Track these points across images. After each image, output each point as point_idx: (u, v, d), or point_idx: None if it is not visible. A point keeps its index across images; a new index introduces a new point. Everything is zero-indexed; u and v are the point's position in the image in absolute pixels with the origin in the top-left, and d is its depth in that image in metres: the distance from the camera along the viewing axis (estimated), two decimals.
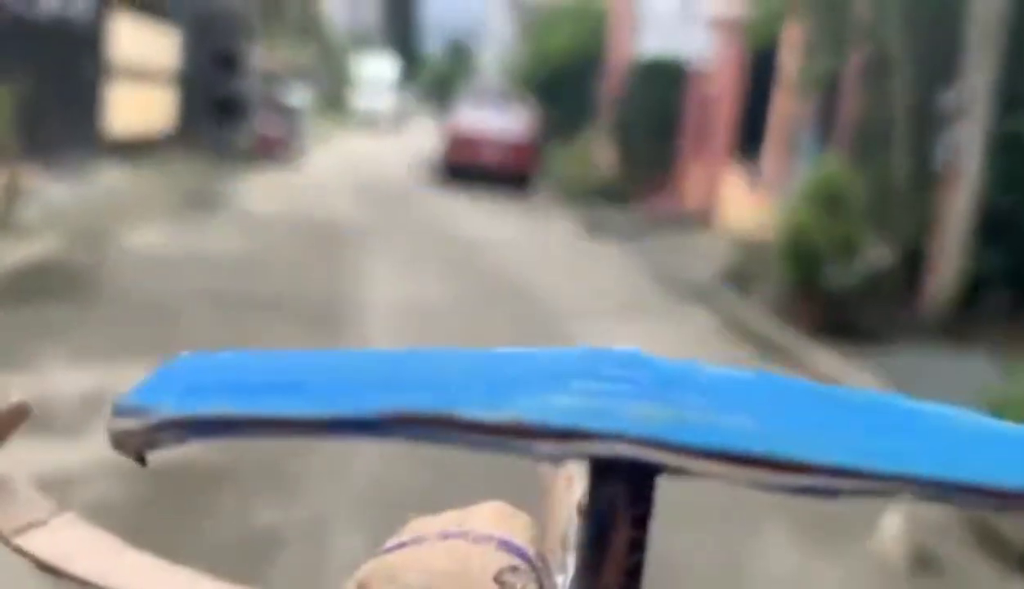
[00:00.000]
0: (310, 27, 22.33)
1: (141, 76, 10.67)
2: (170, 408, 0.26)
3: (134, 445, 0.25)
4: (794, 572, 2.88)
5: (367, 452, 3.08)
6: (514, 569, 0.30)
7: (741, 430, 0.22)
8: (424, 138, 20.68)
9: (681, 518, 2.50)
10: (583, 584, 0.24)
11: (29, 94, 7.31)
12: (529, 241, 9.00)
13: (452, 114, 14.43)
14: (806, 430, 0.22)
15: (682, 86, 11.55)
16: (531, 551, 0.32)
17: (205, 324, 4.52)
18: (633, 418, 0.22)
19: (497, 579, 0.27)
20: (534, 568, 0.31)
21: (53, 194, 7.19)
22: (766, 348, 5.43)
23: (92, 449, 2.94)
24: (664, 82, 11.47)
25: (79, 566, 0.33)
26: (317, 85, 22.30)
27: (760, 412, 0.23)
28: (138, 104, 10.59)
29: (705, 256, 7.87)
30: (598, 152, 13.11)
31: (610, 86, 13.76)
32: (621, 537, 0.24)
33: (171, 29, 11.76)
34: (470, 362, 0.26)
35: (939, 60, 6.01)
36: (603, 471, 0.24)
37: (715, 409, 0.23)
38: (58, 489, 2.41)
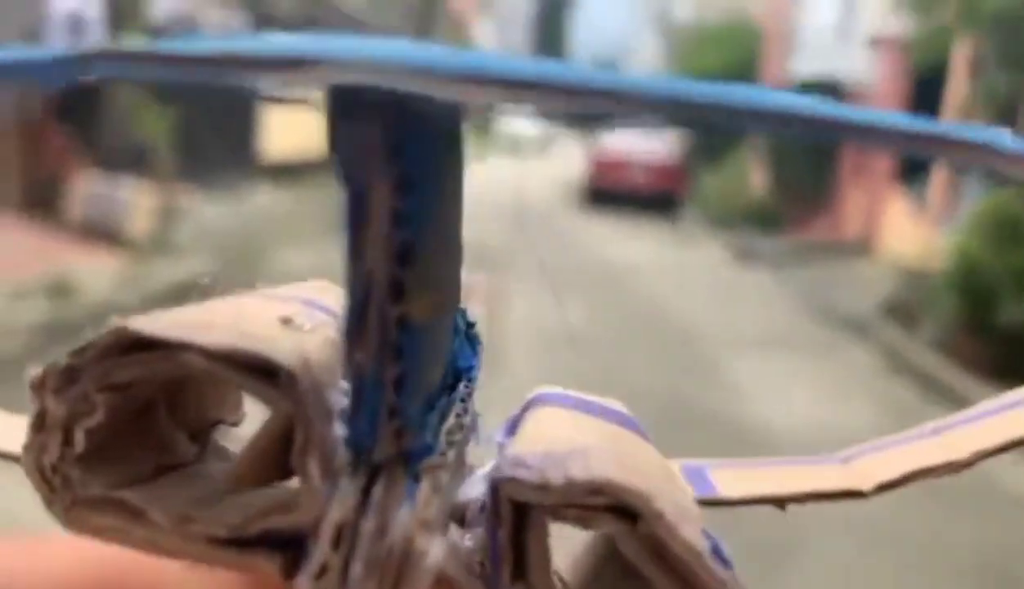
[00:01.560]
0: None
1: (294, 100, 10.97)
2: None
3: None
4: None
5: None
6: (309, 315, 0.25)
7: (495, 56, 0.15)
8: (569, 162, 20.65)
9: None
10: (348, 274, 0.19)
11: (187, 116, 7.58)
12: (675, 267, 8.74)
13: (597, 137, 14.29)
14: (565, 67, 0.14)
15: None
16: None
17: None
18: (374, 47, 0.16)
19: (282, 318, 0.21)
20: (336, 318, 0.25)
21: (207, 215, 7.41)
22: (930, 388, 5.03)
23: None
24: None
25: None
26: None
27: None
28: (294, 127, 10.90)
29: (864, 287, 7.43)
30: (749, 176, 12.70)
31: None
32: (379, 207, 0.18)
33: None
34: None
35: None
36: (345, 115, 0.18)
37: (464, 48, 0.16)
38: None
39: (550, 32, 47.85)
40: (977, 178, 7.32)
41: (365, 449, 0.19)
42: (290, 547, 0.19)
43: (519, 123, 29.79)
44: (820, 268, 8.57)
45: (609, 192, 13.13)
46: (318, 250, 7.63)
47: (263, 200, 9.09)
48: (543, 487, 0.18)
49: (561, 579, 0.21)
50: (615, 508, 0.18)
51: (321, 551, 0.18)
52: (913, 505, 3.31)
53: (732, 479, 0.25)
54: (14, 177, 6.15)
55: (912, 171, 8.89)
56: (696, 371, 5.00)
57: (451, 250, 0.21)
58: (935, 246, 6.55)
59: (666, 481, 0.20)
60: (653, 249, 9.76)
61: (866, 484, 0.23)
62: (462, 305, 0.25)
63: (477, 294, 0.29)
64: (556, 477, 0.18)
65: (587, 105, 0.15)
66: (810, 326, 6.71)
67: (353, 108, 0.19)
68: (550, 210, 12.79)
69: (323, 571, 0.18)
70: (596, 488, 0.18)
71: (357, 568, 0.18)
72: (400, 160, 0.19)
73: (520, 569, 0.19)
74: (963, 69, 7.67)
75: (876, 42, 10.15)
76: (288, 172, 10.35)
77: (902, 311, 6.32)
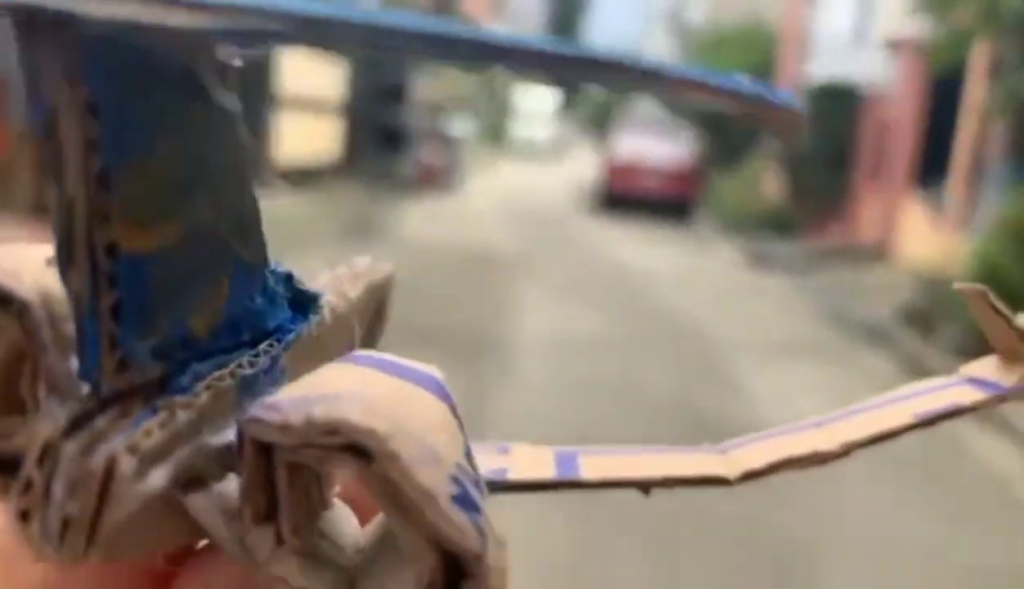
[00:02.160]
0: None
1: (308, 106, 10.98)
2: None
3: None
4: None
5: None
6: None
7: None
8: (582, 167, 20.59)
9: None
10: (51, 201, 0.19)
11: None
12: (689, 273, 8.67)
13: (610, 142, 14.23)
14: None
15: (856, 112, 10.95)
16: None
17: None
18: None
19: (48, 259, 0.23)
20: None
21: None
22: None
23: None
24: (837, 108, 10.89)
25: None
26: (478, 115, 22.59)
27: None
28: (305, 134, 10.89)
29: (881, 293, 7.34)
30: (764, 180, 12.62)
31: None
32: (69, 132, 0.18)
33: (339, 60, 12.08)
34: None
35: None
36: (26, 34, 0.18)
37: None
38: None
39: (564, 35, 47.82)
40: (996, 184, 7.22)
41: (94, 381, 0.20)
42: (12, 470, 0.20)
43: (533, 127, 29.76)
44: (836, 273, 8.48)
45: (624, 196, 13.07)
46: (332, 257, 7.53)
47: (274, 206, 9.07)
48: (284, 427, 0.18)
49: (358, 544, 0.21)
50: (352, 448, 0.18)
51: (27, 468, 0.19)
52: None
53: (599, 464, 0.25)
54: (27, 181, 6.14)
55: (929, 176, 8.79)
56: (711, 377, 4.94)
57: (196, 187, 0.20)
58: (953, 252, 6.46)
59: (431, 432, 0.19)
60: (668, 254, 9.69)
61: (733, 472, 0.24)
62: (276, 267, 0.25)
63: (359, 277, 0.30)
64: (296, 417, 0.18)
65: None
66: (826, 332, 6.63)
67: (32, 27, 0.18)
68: (564, 214, 12.74)
69: (27, 487, 0.19)
70: (332, 428, 0.18)
71: (58, 485, 0.19)
72: (85, 84, 0.18)
73: (270, 511, 0.19)
74: (982, 71, 7.58)
75: (893, 45, 10.05)
76: (299, 177, 10.34)
77: (920, 317, 6.23)
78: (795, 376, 5.17)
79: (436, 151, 14.28)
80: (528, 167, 22.01)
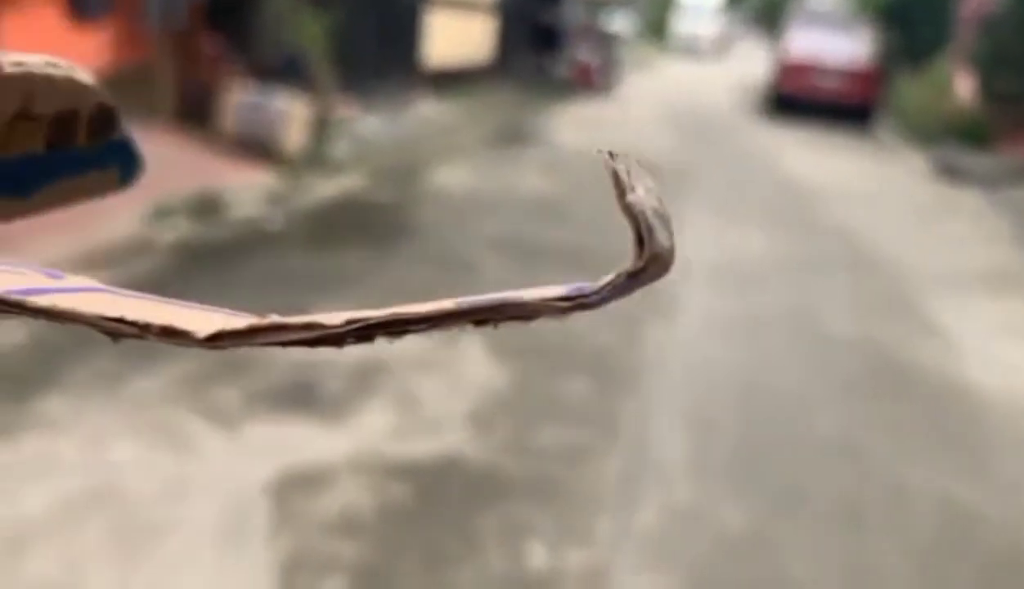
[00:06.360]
0: None
1: (461, 5, 10.48)
2: None
3: None
4: None
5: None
6: None
7: None
8: (749, 66, 19.37)
9: None
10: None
11: (345, 23, 7.21)
12: (871, 187, 7.84)
13: (782, 39, 13.15)
14: None
15: None
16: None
17: (497, 279, 4.06)
18: None
19: None
20: None
21: (365, 127, 7.08)
22: None
23: (350, 440, 2.53)
24: None
25: None
26: (638, 10, 21.53)
27: None
28: (457, 34, 10.42)
29: None
30: (955, 83, 11.39)
31: (974, 5, 11.88)
32: None
33: None
34: None
35: None
36: None
37: None
38: (302, 488, 1.92)
39: None
40: None
41: None
42: None
43: (697, 22, 28.29)
44: None
45: (797, 99, 12.09)
46: (476, 167, 7.21)
47: (422, 111, 8.71)
48: None
49: None
50: None
51: None
52: None
53: (90, 300, 0.26)
54: (169, 86, 5.96)
55: None
56: (898, 314, 4.31)
57: None
58: None
59: None
60: (845, 165, 8.83)
61: (203, 330, 0.24)
62: None
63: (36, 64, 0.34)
64: None
65: None
66: None
67: None
68: (729, 119, 11.89)
69: None
70: None
71: None
72: None
73: None
74: None
75: None
76: (449, 80, 9.92)
77: None
78: (997, 314, 4.48)
79: (593, 50, 13.61)
80: (691, 66, 20.88)
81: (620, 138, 9.14)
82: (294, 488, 2.27)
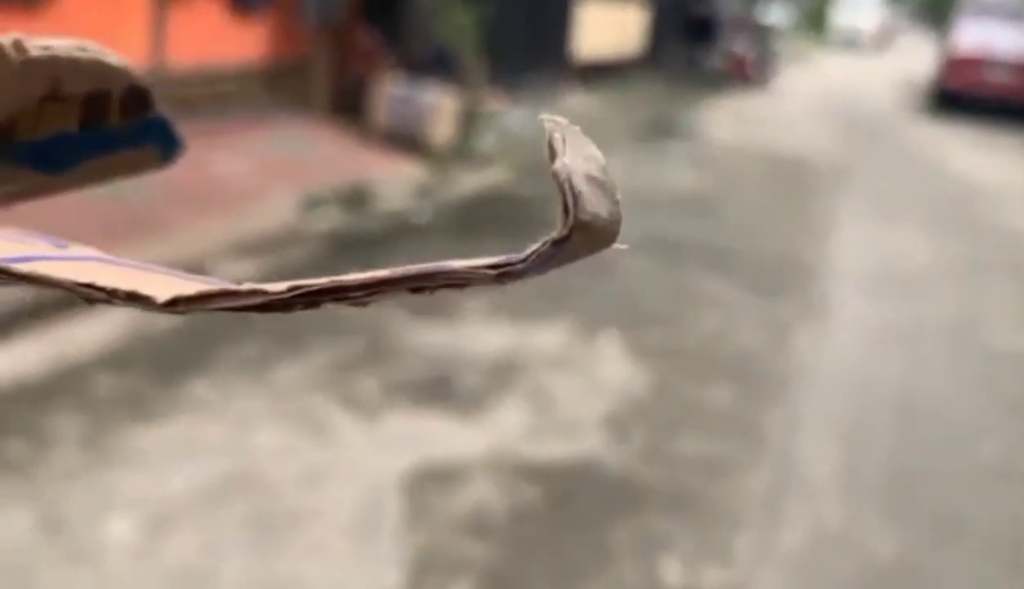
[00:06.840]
0: None
1: None
2: None
3: None
4: None
5: None
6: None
7: None
8: (912, 60, 18.51)
9: None
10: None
11: (495, 15, 7.23)
12: None
13: (951, 31, 12.46)
14: None
15: None
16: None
17: (640, 282, 3.98)
18: None
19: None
20: None
21: (512, 120, 7.09)
22: None
23: (485, 437, 2.51)
24: None
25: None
26: (796, 2, 20.85)
27: None
28: (608, 26, 10.32)
29: None
30: None
31: None
32: None
33: None
34: None
35: None
36: None
37: None
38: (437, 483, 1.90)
39: None
40: None
41: None
42: None
43: (857, 14, 27.21)
44: None
45: (963, 95, 11.45)
46: (623, 161, 7.10)
47: (572, 104, 8.66)
48: None
49: None
50: None
51: None
52: None
53: (68, 267, 0.27)
54: (324, 79, 6.11)
55: None
56: None
57: None
58: None
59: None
60: (1017, 166, 8.30)
61: (162, 296, 0.25)
62: None
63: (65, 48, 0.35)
64: None
65: None
66: None
67: None
68: (890, 116, 11.35)
69: None
70: None
71: None
72: None
73: None
74: None
75: None
76: (600, 72, 9.83)
77: None
78: None
79: (748, 42, 13.26)
80: (850, 60, 20.09)
81: (773, 133, 8.86)
82: (428, 482, 2.27)
